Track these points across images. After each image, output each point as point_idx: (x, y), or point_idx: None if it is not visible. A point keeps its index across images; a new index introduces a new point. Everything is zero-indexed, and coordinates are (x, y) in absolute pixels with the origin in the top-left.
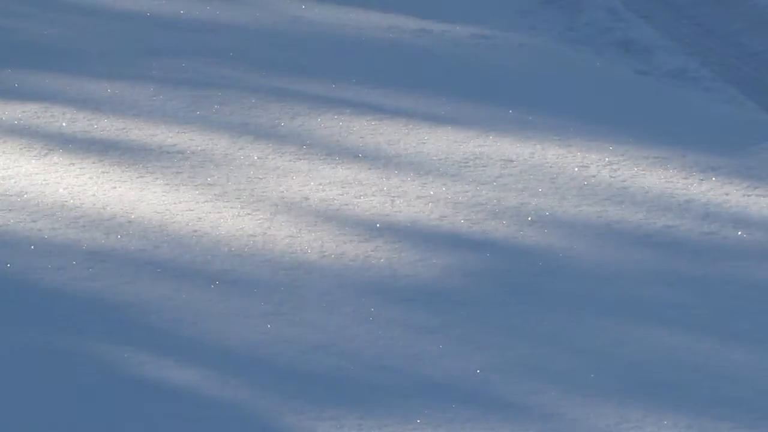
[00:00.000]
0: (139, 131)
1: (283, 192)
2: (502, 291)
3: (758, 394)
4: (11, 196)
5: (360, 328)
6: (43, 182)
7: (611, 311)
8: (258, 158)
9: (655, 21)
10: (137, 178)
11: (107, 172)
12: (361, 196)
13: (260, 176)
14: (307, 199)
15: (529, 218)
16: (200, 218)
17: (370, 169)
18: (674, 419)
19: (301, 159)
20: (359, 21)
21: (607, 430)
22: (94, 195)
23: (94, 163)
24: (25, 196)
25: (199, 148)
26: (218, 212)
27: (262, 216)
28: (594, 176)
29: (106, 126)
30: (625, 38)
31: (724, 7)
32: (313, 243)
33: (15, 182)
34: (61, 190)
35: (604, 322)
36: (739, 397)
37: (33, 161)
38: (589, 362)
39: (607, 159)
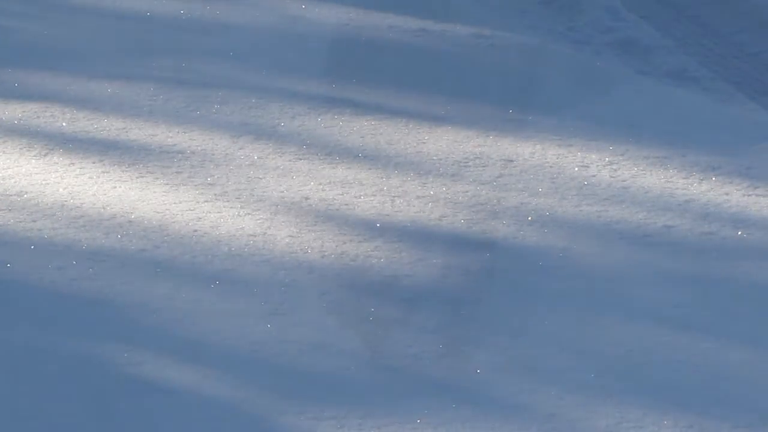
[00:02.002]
0: (139, 131)
1: (283, 192)
2: (502, 291)
3: (758, 394)
4: (11, 196)
5: (360, 328)
6: (43, 182)
7: (611, 311)
8: (258, 158)
9: (655, 21)
10: (137, 178)
11: (107, 172)
12: (361, 196)
13: (260, 176)
14: (307, 199)
15: (529, 218)
16: (200, 218)
17: (370, 169)
18: (674, 419)
19: (301, 159)
20: (359, 21)
21: (607, 430)
22: (94, 195)
23: (94, 163)
24: (25, 196)
25: (199, 148)
26: (218, 212)
27: (262, 216)
28: (594, 176)
29: (106, 126)
30: (625, 38)
31: (724, 7)
32: (313, 243)
33: (15, 182)
34: (61, 190)
35: (604, 322)
36: (739, 397)
37: (33, 161)
38: (589, 362)
39: (607, 159)
